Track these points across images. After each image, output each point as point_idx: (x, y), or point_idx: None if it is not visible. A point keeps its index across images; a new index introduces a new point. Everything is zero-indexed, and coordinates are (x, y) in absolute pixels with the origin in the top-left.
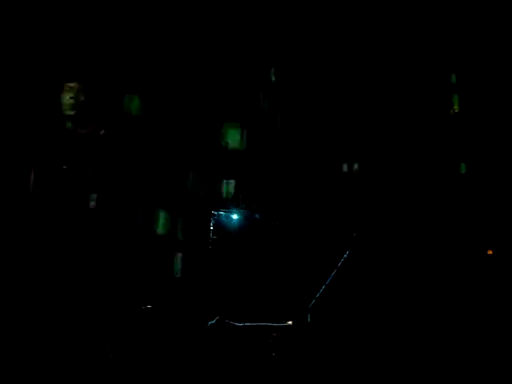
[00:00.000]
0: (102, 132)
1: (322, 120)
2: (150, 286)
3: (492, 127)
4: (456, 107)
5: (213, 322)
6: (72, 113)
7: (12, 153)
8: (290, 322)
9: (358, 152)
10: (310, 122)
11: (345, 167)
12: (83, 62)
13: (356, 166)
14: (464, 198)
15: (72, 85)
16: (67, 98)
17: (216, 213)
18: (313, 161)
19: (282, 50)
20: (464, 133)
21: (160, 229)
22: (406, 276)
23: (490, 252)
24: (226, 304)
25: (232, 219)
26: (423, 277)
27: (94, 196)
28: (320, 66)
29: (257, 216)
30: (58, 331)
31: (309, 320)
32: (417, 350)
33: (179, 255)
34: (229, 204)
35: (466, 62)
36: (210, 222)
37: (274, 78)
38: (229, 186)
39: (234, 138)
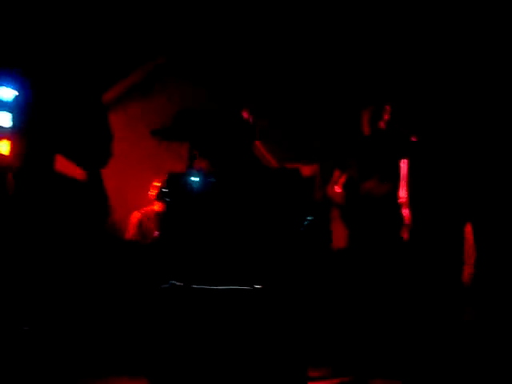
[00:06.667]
0: None
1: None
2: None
3: None
4: None
5: (166, 285)
6: None
7: None
8: (258, 286)
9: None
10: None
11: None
12: None
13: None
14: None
15: None
16: None
17: (171, 175)
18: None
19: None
20: None
21: None
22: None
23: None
24: (189, 268)
25: (188, 181)
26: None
27: None
28: None
29: (212, 179)
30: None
31: (277, 283)
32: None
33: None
34: (186, 167)
35: None
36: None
37: None
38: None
39: None
